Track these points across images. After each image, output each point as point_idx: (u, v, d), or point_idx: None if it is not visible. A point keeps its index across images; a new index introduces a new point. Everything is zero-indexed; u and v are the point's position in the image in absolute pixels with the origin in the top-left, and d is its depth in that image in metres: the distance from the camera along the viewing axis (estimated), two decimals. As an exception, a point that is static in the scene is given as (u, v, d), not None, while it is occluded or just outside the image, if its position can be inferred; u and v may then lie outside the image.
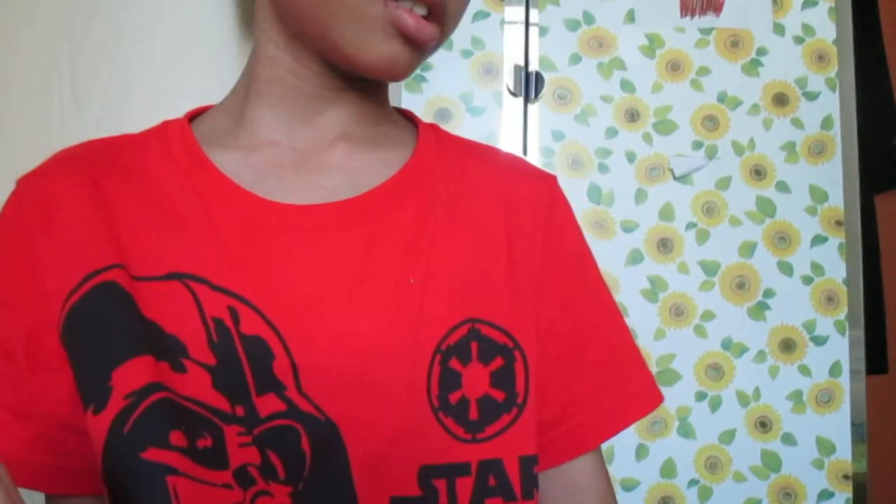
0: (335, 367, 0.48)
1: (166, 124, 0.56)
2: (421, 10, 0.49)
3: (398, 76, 0.53)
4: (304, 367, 0.48)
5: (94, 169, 0.53)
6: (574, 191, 1.09)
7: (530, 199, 0.58)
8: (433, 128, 0.61)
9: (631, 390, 0.58)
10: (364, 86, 0.56)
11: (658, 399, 0.59)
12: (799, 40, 1.15)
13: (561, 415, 0.56)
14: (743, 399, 1.11)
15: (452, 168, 0.58)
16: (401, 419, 0.49)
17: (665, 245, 1.12)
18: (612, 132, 1.13)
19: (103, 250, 0.49)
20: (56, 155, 0.55)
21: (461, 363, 0.51)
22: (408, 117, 0.62)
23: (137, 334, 0.48)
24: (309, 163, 0.55)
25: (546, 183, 0.61)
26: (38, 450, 0.50)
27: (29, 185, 0.52)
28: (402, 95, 1.10)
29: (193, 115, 0.58)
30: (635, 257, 1.11)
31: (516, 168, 0.62)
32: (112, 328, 0.48)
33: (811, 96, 1.15)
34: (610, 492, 0.58)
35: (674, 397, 1.10)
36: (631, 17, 1.15)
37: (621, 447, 1.10)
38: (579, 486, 0.57)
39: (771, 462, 1.10)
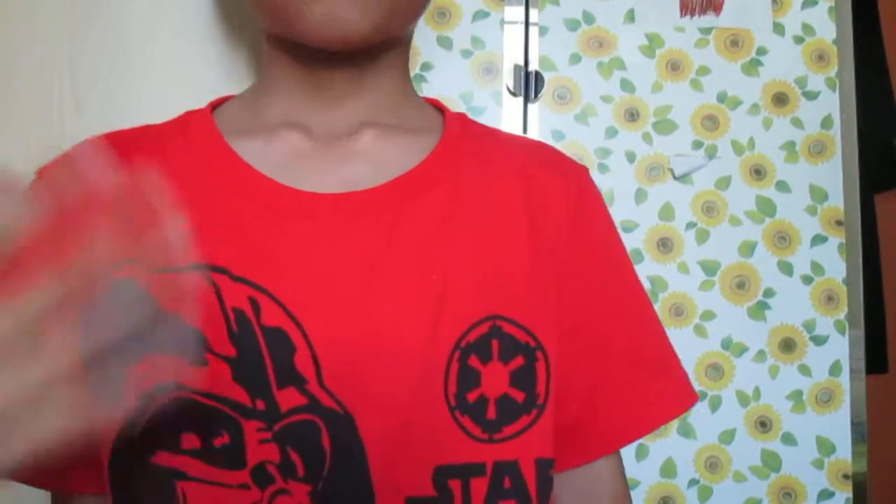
0: (355, 360, 0.48)
1: (189, 114, 0.56)
2: None
3: (348, 38, 0.49)
4: (325, 360, 0.47)
5: (119, 158, 0.52)
6: (574, 191, 1.08)
7: (557, 192, 0.56)
8: (461, 117, 0.59)
9: (656, 393, 0.56)
10: (376, 73, 0.55)
11: (689, 400, 0.57)
12: (799, 40, 1.15)
13: (582, 417, 0.54)
14: (743, 399, 1.11)
15: (478, 159, 0.56)
16: (415, 415, 0.48)
17: (665, 245, 1.12)
18: (611, 132, 1.13)
19: (122, 245, 0.49)
20: (77, 146, 0.54)
21: (481, 361, 0.50)
22: (436, 107, 0.61)
23: (152, 332, 0.47)
24: (333, 150, 0.54)
25: (575, 175, 0.59)
26: None
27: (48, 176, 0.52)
28: (402, 95, 1.10)
29: (216, 105, 0.57)
30: (635, 257, 1.11)
31: (546, 159, 0.60)
32: (126, 326, 0.47)
33: (811, 96, 1.15)
34: (625, 493, 0.57)
35: (674, 397, 1.10)
36: (631, 16, 1.14)
37: (621, 447, 1.10)
38: (595, 489, 0.56)
39: (771, 462, 1.10)
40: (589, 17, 1.14)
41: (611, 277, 0.58)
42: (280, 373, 0.47)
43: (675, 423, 1.10)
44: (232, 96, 0.59)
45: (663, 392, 0.57)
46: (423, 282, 0.50)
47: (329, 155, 0.54)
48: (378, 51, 0.53)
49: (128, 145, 0.53)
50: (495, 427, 0.50)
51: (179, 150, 0.53)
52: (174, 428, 0.46)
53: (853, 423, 1.11)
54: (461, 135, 0.57)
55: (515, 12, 1.14)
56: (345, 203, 0.51)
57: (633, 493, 1.09)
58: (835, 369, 1.11)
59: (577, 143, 1.13)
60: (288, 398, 0.47)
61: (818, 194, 1.14)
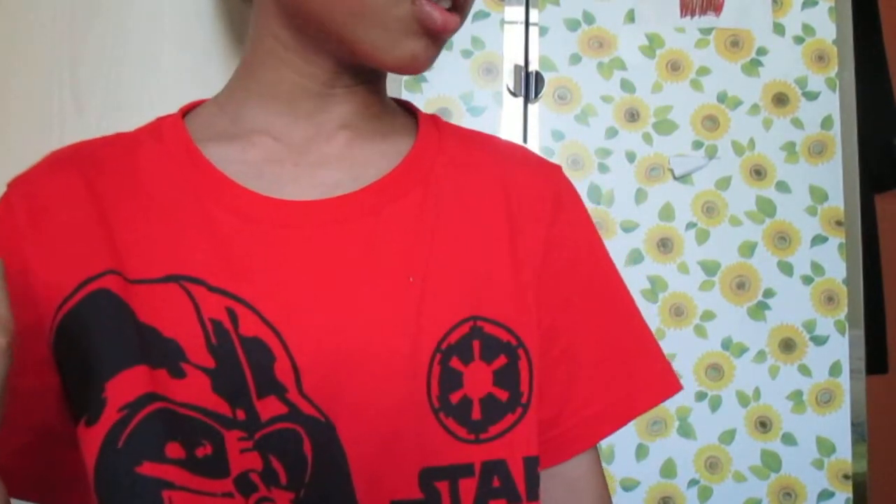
0: (334, 368, 0.48)
1: (160, 121, 0.55)
2: (445, 3, 0.49)
3: (422, 70, 0.53)
4: (304, 368, 0.47)
5: (87, 170, 0.51)
6: (574, 191, 1.09)
7: (534, 190, 0.57)
8: (433, 119, 0.59)
9: (635, 384, 0.57)
10: (372, 80, 0.55)
11: (672, 388, 0.58)
12: (799, 40, 1.15)
13: (560, 414, 0.55)
14: (743, 399, 1.11)
15: (454, 160, 0.56)
16: (399, 420, 0.48)
17: (665, 245, 1.12)
18: (612, 132, 1.13)
19: (97, 256, 0.48)
20: (47, 157, 0.53)
21: (462, 362, 0.50)
22: (407, 109, 0.61)
23: (132, 343, 0.47)
24: (308, 156, 0.53)
25: (551, 173, 0.59)
26: (26, 459, 0.49)
27: (19, 188, 0.51)
28: (403, 95, 1.10)
29: (187, 111, 0.57)
30: (635, 257, 1.11)
31: (519, 158, 0.60)
32: (105, 338, 0.47)
33: (811, 96, 1.15)
34: (605, 492, 0.57)
35: (674, 397, 1.10)
36: (631, 17, 1.14)
37: (621, 447, 1.10)
38: (576, 486, 0.56)
39: (771, 462, 1.10)
40: (589, 18, 1.14)
41: (588, 274, 0.58)
42: (260, 382, 0.47)
43: (675, 424, 1.10)
44: (204, 101, 0.58)
45: (638, 385, 0.57)
46: (402, 286, 0.50)
47: (304, 160, 0.53)
48: None
49: (99, 155, 0.53)
50: (481, 427, 0.50)
51: (152, 157, 0.52)
52: (158, 438, 0.46)
53: (853, 424, 1.11)
54: (436, 137, 0.57)
55: (515, 12, 1.14)
56: (321, 210, 0.51)
57: (633, 493, 1.09)
58: (835, 370, 1.11)
59: (577, 143, 1.13)
60: (268, 407, 0.47)
61: (818, 194, 1.14)
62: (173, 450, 0.46)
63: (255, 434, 0.47)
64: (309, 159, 0.53)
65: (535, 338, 0.53)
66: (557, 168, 0.60)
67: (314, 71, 0.53)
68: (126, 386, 0.46)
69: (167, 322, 0.47)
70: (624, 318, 0.59)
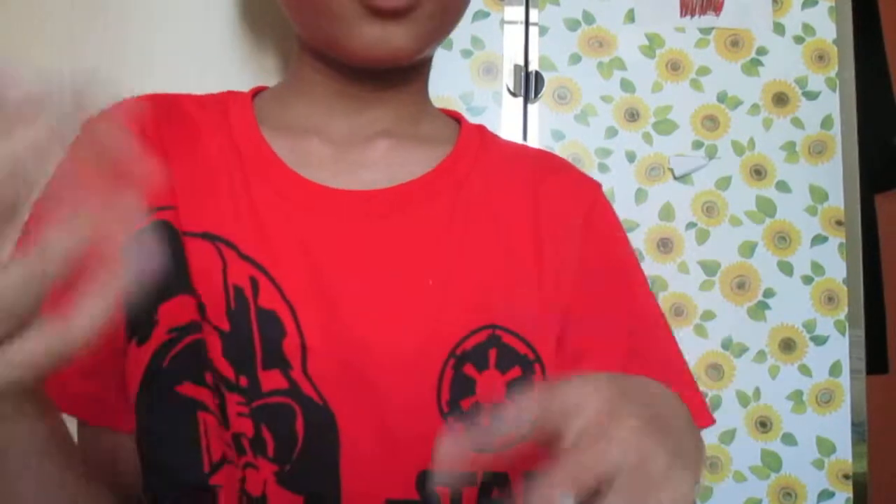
0: (344, 356, 0.49)
1: (231, 93, 0.58)
2: None
3: (397, 58, 0.51)
4: (313, 349, 0.48)
5: (157, 119, 0.54)
6: (574, 191, 1.08)
7: (566, 200, 0.58)
8: (479, 129, 0.60)
9: None
10: (402, 86, 0.56)
11: (705, 421, 0.56)
12: (799, 40, 1.15)
13: None
14: (743, 399, 1.11)
15: (491, 169, 0.57)
16: (401, 419, 0.49)
17: (665, 245, 1.12)
18: (611, 132, 1.13)
19: (161, 191, 0.51)
20: (122, 102, 0.56)
21: (476, 369, 0.50)
22: (455, 119, 0.62)
23: (186, 274, 0.49)
24: (349, 156, 0.55)
25: (588, 188, 0.60)
26: (91, 379, 0.50)
27: (94, 125, 0.54)
28: (402, 95, 1.10)
29: (255, 93, 0.60)
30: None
31: (556, 167, 0.61)
32: (166, 263, 0.49)
33: (811, 96, 1.15)
34: None
35: (674, 397, 1.10)
36: (631, 16, 1.14)
37: (621, 447, 1.09)
38: None
39: (771, 462, 1.10)
40: (589, 17, 1.14)
41: (620, 297, 0.57)
42: (267, 354, 0.48)
43: (675, 424, 1.10)
44: (266, 88, 0.61)
45: None
46: (420, 288, 0.51)
47: (345, 158, 0.55)
48: (407, 65, 0.55)
49: (169, 104, 0.56)
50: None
51: (215, 127, 0.55)
52: (199, 362, 0.48)
53: (853, 424, 1.11)
54: (475, 147, 0.58)
55: (515, 12, 1.14)
56: (351, 201, 0.52)
57: (633, 494, 1.09)
58: (835, 369, 1.11)
59: (577, 143, 1.13)
60: (270, 379, 0.48)
61: (818, 194, 1.14)
62: (210, 377, 0.48)
63: (252, 402, 0.48)
64: (349, 159, 0.55)
65: (553, 355, 0.53)
66: (596, 184, 0.61)
67: (332, 73, 0.55)
68: (178, 310, 0.48)
69: (197, 276, 0.49)
70: (657, 345, 0.58)
